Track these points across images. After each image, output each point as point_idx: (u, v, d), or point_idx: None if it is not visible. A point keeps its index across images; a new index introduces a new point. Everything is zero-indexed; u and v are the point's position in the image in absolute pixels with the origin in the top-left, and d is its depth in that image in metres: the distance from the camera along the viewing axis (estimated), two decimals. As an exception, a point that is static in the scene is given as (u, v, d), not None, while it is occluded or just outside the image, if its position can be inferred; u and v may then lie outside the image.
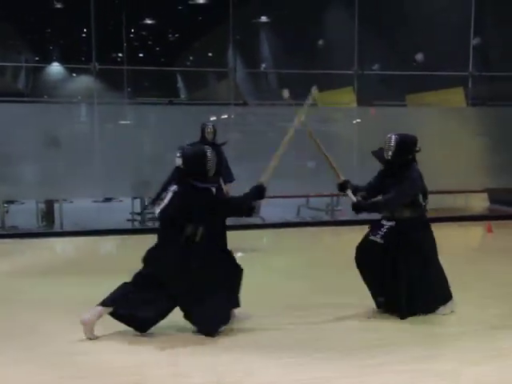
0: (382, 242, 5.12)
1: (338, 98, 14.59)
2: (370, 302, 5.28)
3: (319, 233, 9.91)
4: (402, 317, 5.02)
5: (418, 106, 13.48)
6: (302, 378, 3.87)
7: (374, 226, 5.25)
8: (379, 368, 4.01)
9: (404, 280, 5.01)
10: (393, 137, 5.11)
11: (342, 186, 5.30)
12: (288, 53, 18.44)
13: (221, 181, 8.08)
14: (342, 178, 5.32)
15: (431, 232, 5.31)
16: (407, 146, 5.14)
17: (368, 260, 5.20)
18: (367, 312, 5.25)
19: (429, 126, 11.19)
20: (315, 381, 3.84)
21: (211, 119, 10.74)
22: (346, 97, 12.61)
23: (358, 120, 11.25)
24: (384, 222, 5.18)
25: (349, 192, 5.25)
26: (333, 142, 10.98)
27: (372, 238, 5.19)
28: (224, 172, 8.10)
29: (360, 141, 10.76)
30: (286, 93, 5.45)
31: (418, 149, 5.21)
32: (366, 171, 10.27)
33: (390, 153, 5.11)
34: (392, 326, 4.90)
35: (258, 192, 4.88)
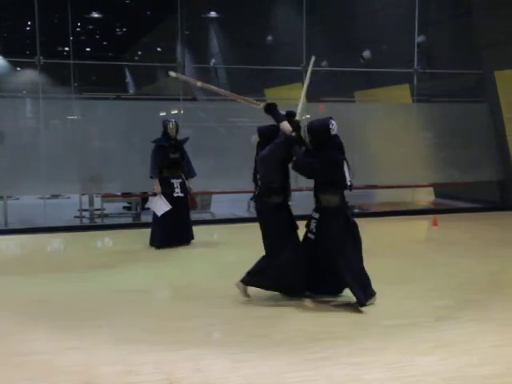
0: (312, 237, 5.38)
1: (287, 93, 14.72)
2: (318, 297, 5.35)
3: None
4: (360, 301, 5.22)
5: (365, 102, 13.73)
6: (250, 373, 3.89)
7: (308, 221, 5.48)
8: (326, 361, 4.07)
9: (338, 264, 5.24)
10: (305, 126, 5.40)
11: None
12: (237, 48, 18.47)
13: (183, 176, 8.09)
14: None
15: (350, 222, 5.46)
16: (318, 130, 5.34)
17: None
18: (314, 305, 5.34)
19: (376, 122, 11.41)
20: (263, 376, 3.87)
21: (161, 114, 10.66)
22: (295, 93, 12.72)
23: (308, 116, 11.35)
24: (313, 215, 5.43)
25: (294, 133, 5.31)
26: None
27: (308, 235, 5.44)
28: (186, 167, 8.10)
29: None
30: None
31: (333, 132, 5.36)
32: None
33: (308, 139, 5.37)
34: (338, 319, 4.98)
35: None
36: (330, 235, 5.28)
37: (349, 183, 5.35)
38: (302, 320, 5.01)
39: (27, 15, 13.05)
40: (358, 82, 13.72)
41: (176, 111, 10.99)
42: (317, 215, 5.40)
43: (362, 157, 10.78)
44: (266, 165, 5.39)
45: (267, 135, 5.43)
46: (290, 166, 5.37)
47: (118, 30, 24.67)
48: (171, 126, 7.91)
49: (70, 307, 5.35)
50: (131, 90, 26.80)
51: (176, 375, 3.86)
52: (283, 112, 5.40)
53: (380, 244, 8.15)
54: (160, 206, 7.86)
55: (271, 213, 5.42)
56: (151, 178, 7.96)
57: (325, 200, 5.36)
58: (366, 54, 13.31)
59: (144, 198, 11.20)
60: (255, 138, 5.57)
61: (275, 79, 15.59)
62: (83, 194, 10.55)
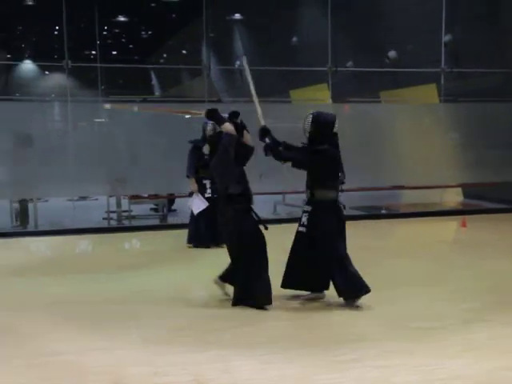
0: (304, 230, 5.37)
1: (312, 94, 14.68)
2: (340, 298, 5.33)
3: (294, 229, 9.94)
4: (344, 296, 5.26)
5: (391, 103, 13.64)
6: (278, 375, 3.90)
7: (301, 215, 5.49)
8: (354, 363, 4.05)
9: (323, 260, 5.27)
10: (310, 115, 5.35)
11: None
12: (262, 50, 18.47)
13: None
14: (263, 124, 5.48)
15: (342, 220, 5.42)
16: (324, 123, 5.34)
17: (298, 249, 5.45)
18: (338, 307, 5.31)
19: (402, 122, 11.32)
20: (291, 377, 3.87)
21: (186, 117, 10.72)
22: (321, 93, 12.70)
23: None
24: (304, 208, 5.42)
25: (269, 139, 5.35)
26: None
27: (299, 228, 5.43)
28: None
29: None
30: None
31: (335, 130, 5.36)
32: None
33: (308, 129, 5.34)
34: (364, 321, 4.96)
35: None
36: (322, 229, 5.27)
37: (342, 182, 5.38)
38: (327, 322, 5.00)
39: (55, 20, 13.23)
40: (384, 82, 13.63)
41: (201, 113, 11.03)
42: (309, 208, 5.38)
43: (389, 157, 10.72)
44: (220, 170, 5.34)
45: (217, 143, 5.42)
46: (287, 163, 5.35)
47: (143, 33, 24.87)
48: (208, 128, 8.04)
49: (99, 308, 5.42)
50: (157, 93, 27.00)
51: (204, 376, 3.88)
52: (226, 115, 5.43)
53: (407, 245, 8.10)
54: (197, 204, 8.00)
55: (234, 220, 5.30)
56: (187, 177, 8.13)
57: (319, 194, 5.33)
58: (392, 53, 13.22)
59: (170, 199, 11.30)
60: (206, 148, 5.62)
61: (300, 80, 15.56)
62: (111, 196, 10.66)
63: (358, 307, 5.25)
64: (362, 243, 8.46)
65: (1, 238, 9.30)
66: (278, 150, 5.34)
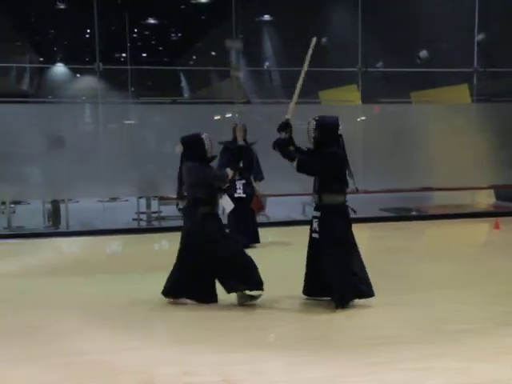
0: (317, 236, 5.29)
1: (342, 95, 14.60)
2: (371, 300, 5.28)
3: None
4: (338, 305, 5.17)
5: (422, 103, 13.47)
6: (308, 377, 3.87)
7: (310, 222, 5.43)
8: (385, 366, 4.00)
9: (330, 266, 5.18)
10: (313, 121, 5.29)
11: (286, 124, 5.31)
12: (291, 50, 18.43)
13: (251, 178, 8.19)
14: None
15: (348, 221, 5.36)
16: (328, 127, 5.29)
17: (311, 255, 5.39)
18: (368, 309, 5.26)
19: (434, 123, 11.18)
20: (321, 379, 3.84)
21: (215, 118, 10.76)
22: (351, 94, 12.61)
23: (363, 118, 11.24)
24: (314, 214, 5.35)
25: (286, 134, 5.28)
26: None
27: (312, 235, 5.36)
28: (255, 170, 8.21)
29: (364, 138, 10.75)
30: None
31: (339, 132, 5.32)
32: (370, 169, 10.35)
33: (312, 135, 5.28)
34: (394, 324, 4.90)
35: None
36: (333, 234, 5.21)
37: (354, 185, 5.32)
38: (356, 324, 4.95)
39: (86, 23, 13.40)
40: (415, 83, 13.48)
41: (230, 114, 11.07)
42: (318, 214, 5.31)
43: (419, 158, 10.60)
44: (196, 179, 5.41)
45: (189, 144, 5.49)
46: (294, 167, 5.28)
47: (173, 35, 25.04)
48: (237, 128, 8.05)
49: (130, 308, 5.45)
50: (186, 95, 27.16)
51: (233, 377, 3.87)
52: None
53: (439, 247, 7.99)
54: (224, 205, 8.02)
55: (200, 224, 5.36)
56: None
57: (328, 198, 5.26)
58: (423, 53, 13.07)
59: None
60: (179, 148, 5.62)
61: (330, 81, 15.48)
62: (140, 197, 10.75)
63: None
64: (392, 245, 8.41)
65: (34, 238, 9.47)
66: (287, 149, 5.27)
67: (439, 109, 11.95)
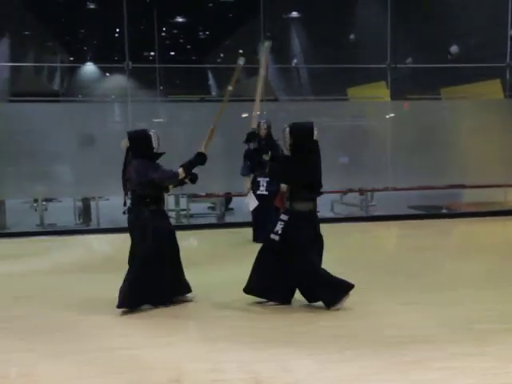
0: (276, 238, 5.24)
1: (370, 92, 14.49)
2: (398, 299, 5.23)
3: (352, 228, 9.84)
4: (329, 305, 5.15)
5: (453, 100, 13.28)
6: (336, 375, 3.85)
7: (274, 222, 5.37)
8: (413, 365, 3.96)
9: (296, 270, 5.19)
10: (287, 128, 5.26)
11: (253, 133, 5.65)
12: (319, 48, 18.37)
13: None
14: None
15: (317, 233, 5.32)
16: (302, 133, 5.24)
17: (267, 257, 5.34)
18: (395, 308, 5.23)
19: (465, 120, 11.02)
20: (350, 377, 3.82)
21: (243, 116, 10.76)
22: (379, 91, 12.50)
23: (392, 114, 11.13)
24: (281, 217, 5.29)
25: (254, 144, 5.61)
26: (366, 137, 10.92)
27: (271, 235, 5.29)
28: None
29: (393, 135, 10.65)
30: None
31: (315, 138, 5.25)
32: (399, 165, 10.26)
33: (288, 142, 5.25)
34: (424, 322, 4.85)
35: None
36: (296, 240, 5.16)
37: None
38: (383, 322, 4.91)
39: (116, 23, 13.54)
40: (445, 79, 13.30)
41: (258, 112, 11.05)
42: (285, 217, 5.25)
43: (450, 155, 10.47)
44: (143, 178, 5.38)
45: (135, 139, 5.51)
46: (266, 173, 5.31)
47: (201, 33, 25.17)
48: (261, 126, 8.06)
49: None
50: (214, 92, 27.26)
51: (261, 374, 3.88)
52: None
53: (469, 245, 7.88)
54: (249, 201, 8.10)
55: (148, 222, 5.31)
56: (242, 175, 8.32)
57: (297, 205, 5.22)
58: (454, 49, 12.89)
59: (228, 198, 11.38)
60: (124, 143, 5.59)
61: (358, 78, 15.39)
62: (169, 195, 10.81)
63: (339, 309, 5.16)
64: (422, 243, 8.32)
65: (65, 235, 9.61)
66: (266, 162, 5.32)
67: (470, 104, 11.76)
